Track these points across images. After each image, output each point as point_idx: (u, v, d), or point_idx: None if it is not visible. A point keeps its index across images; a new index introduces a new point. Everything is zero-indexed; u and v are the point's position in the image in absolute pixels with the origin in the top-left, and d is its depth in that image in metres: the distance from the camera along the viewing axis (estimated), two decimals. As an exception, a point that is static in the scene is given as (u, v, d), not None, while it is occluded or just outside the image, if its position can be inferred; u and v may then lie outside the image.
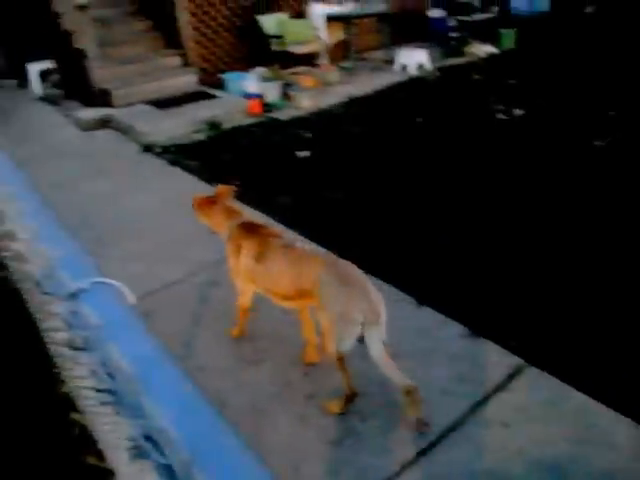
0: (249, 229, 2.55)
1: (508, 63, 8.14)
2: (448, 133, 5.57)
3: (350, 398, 2.36)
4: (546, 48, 8.69)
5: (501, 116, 5.94)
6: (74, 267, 0.77)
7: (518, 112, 6.00)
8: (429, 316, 2.96)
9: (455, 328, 2.84)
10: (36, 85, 8.33)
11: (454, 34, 8.97)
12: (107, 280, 0.69)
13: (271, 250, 2.42)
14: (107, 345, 0.59)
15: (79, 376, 0.89)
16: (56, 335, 0.86)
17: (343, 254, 3.48)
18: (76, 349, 0.70)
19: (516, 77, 7.30)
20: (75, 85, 7.65)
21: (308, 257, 2.34)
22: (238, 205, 2.92)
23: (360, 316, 2.12)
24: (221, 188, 2.80)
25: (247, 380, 2.64)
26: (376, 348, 2.14)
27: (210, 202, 2.72)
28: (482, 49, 8.66)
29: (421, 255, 3.50)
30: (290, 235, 3.07)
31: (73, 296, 0.67)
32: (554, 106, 6.17)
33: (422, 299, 3.06)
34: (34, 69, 8.31)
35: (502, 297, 3.07)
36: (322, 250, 2.61)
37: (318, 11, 8.01)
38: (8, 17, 9.22)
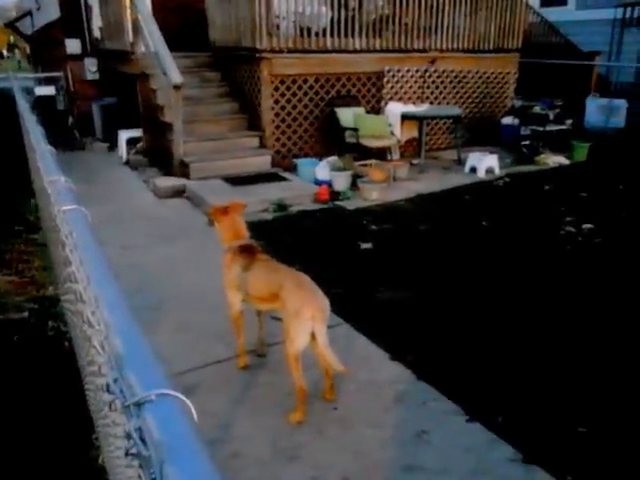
0: (245, 249, 3.13)
1: (579, 175, 8.09)
2: (513, 240, 5.50)
3: (303, 397, 2.85)
4: (619, 163, 8.61)
5: (569, 229, 5.84)
6: (142, 370, 0.78)
7: (587, 226, 5.88)
8: (478, 433, 2.81)
9: (505, 450, 2.67)
10: (122, 150, 8.95)
11: (526, 142, 9.07)
12: (174, 393, 0.69)
13: (255, 262, 3.05)
14: (166, 472, 0.59)
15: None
16: (115, 441, 0.87)
17: (394, 354, 3.42)
18: (132, 455, 0.71)
19: (587, 190, 7.22)
20: (157, 154, 8.16)
21: (278, 269, 3.04)
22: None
23: (309, 313, 2.71)
24: (235, 203, 3.33)
25: (281, 475, 2.55)
26: (322, 338, 2.73)
27: (223, 212, 3.24)
28: (553, 159, 8.67)
29: (473, 365, 3.37)
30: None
31: (138, 406, 0.68)
32: (625, 223, 6.03)
33: (473, 413, 2.92)
34: (123, 136, 8.96)
35: (565, 421, 2.88)
36: (293, 268, 3.14)
37: (394, 109, 8.32)
38: (109, 89, 10.13)
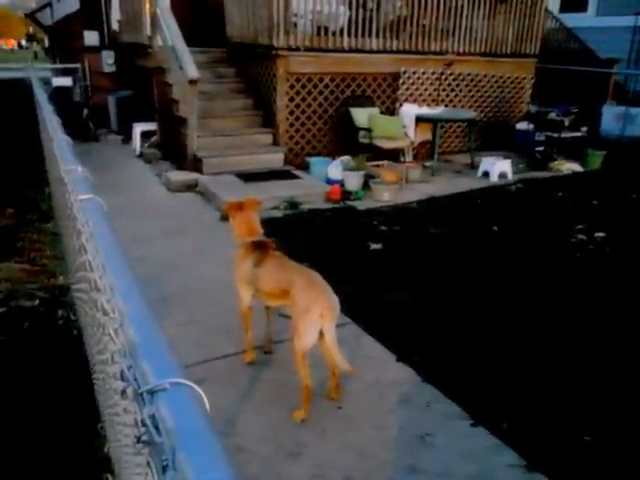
0: (258, 245, 3.14)
1: (593, 183, 8.03)
2: (523, 246, 5.47)
3: (308, 395, 2.84)
4: (633, 173, 8.53)
5: (581, 237, 5.80)
6: (156, 358, 0.79)
7: (599, 234, 5.84)
8: (482, 438, 2.80)
9: (509, 456, 2.67)
10: (136, 143, 9.00)
11: (540, 148, 9.01)
12: (187, 382, 0.70)
13: (267, 259, 3.06)
14: (178, 459, 0.60)
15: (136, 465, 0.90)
16: (124, 429, 0.88)
17: (401, 355, 3.42)
18: (143, 443, 0.72)
19: (600, 199, 7.17)
20: (171, 148, 8.20)
21: (290, 266, 3.04)
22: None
23: (319, 311, 2.71)
24: (250, 199, 3.35)
25: (283, 472, 2.56)
26: (330, 337, 2.74)
27: (238, 207, 3.25)
28: (567, 166, 8.62)
29: (480, 368, 3.36)
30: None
31: (152, 393, 0.69)
32: (638, 233, 5.98)
33: (478, 417, 2.92)
34: (137, 129, 9.02)
35: (571, 428, 2.86)
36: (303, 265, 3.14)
37: (408, 110, 8.31)
38: (126, 82, 10.19)
